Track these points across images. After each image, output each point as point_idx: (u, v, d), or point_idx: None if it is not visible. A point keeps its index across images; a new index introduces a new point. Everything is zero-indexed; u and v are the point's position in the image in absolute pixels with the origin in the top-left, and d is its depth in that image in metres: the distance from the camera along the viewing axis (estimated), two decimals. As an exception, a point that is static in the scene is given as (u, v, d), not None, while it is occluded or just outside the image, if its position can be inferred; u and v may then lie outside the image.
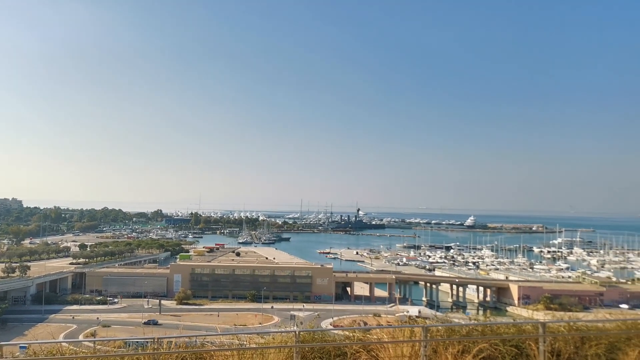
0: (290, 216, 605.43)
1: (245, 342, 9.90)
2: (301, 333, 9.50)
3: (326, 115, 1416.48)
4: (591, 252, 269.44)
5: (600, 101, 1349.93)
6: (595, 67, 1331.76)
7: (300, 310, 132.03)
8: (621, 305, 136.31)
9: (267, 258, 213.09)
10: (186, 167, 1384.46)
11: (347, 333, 11.24)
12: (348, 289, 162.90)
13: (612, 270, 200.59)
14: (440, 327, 10.35)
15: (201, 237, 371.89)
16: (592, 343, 9.66)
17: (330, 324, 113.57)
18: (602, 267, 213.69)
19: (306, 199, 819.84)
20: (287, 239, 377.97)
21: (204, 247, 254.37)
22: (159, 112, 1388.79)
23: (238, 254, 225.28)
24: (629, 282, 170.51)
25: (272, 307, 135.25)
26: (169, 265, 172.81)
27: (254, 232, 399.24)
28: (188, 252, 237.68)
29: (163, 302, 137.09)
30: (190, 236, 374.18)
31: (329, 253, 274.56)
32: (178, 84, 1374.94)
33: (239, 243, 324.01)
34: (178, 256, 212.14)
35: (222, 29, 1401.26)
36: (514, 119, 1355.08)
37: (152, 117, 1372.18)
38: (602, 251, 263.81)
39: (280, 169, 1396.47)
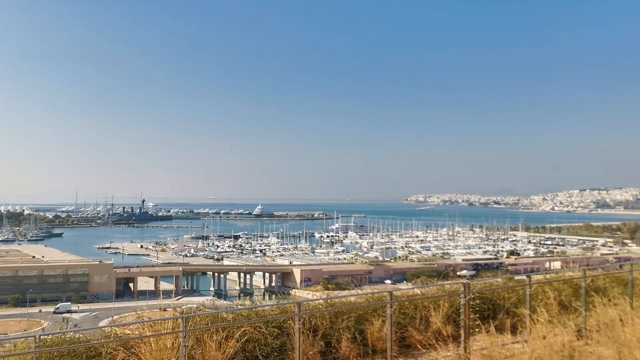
0: (64, 209, 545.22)
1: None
2: (47, 336, 8.62)
3: (99, 100, 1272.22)
4: (362, 235, 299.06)
5: (364, 106, 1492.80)
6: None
7: (75, 311, 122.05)
8: (386, 281, 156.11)
9: (34, 257, 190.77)
10: None
11: (105, 331, 10.37)
12: (131, 284, 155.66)
13: (379, 250, 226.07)
14: (206, 316, 10.09)
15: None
16: (345, 317, 10.77)
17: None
18: (372, 248, 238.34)
19: (83, 190, 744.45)
20: (60, 235, 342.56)
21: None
22: None
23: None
24: (392, 260, 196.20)
25: (40, 311, 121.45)
26: None
27: (17, 228, 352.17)
28: None
29: None
30: None
31: (109, 248, 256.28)
32: None
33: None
34: None
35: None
36: (297, 111, 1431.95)
37: None
38: (371, 234, 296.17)
39: (48, 155, 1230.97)
